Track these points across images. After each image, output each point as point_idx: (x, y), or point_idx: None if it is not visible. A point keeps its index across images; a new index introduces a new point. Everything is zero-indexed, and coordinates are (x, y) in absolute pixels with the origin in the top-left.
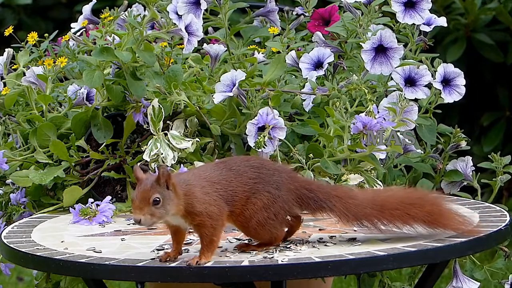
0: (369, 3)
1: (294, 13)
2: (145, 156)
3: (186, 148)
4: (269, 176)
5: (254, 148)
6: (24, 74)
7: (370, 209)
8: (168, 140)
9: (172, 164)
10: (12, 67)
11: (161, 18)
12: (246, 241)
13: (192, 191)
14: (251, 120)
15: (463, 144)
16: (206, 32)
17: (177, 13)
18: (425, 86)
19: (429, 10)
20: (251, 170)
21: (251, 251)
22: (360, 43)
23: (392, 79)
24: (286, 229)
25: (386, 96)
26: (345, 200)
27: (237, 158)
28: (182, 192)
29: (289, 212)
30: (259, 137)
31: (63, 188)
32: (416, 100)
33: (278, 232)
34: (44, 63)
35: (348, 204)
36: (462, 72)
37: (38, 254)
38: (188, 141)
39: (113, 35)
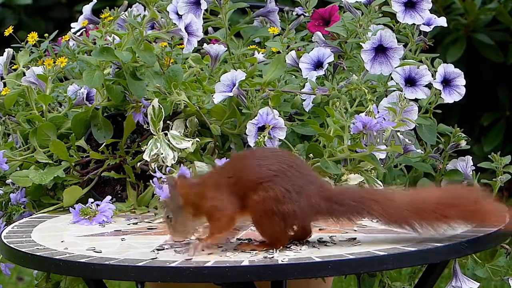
0: (369, 3)
1: (294, 13)
2: (145, 156)
3: (186, 148)
4: (295, 178)
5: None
6: (24, 74)
7: (407, 211)
8: (168, 140)
9: (172, 164)
10: (12, 67)
11: (161, 18)
12: (246, 241)
13: (203, 192)
14: (251, 120)
15: (463, 143)
16: (206, 32)
17: (177, 13)
18: (425, 86)
19: (429, 10)
20: (278, 163)
21: (251, 251)
22: (360, 43)
23: (392, 79)
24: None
25: (386, 96)
26: (382, 203)
27: (274, 151)
28: (194, 195)
29: (299, 223)
30: (259, 137)
31: (63, 188)
32: (416, 100)
33: (281, 233)
34: (44, 63)
35: (386, 206)
36: (462, 73)
37: (38, 254)
38: (188, 141)
39: (113, 35)
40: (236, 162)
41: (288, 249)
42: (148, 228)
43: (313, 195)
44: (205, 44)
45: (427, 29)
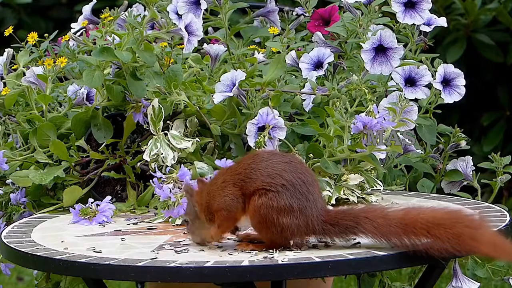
0: (369, 3)
1: (294, 13)
2: (145, 156)
3: (186, 148)
4: (303, 196)
5: (254, 148)
6: (24, 74)
7: (395, 227)
8: (168, 140)
9: (172, 164)
10: (12, 67)
11: (161, 18)
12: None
13: (213, 192)
14: (251, 120)
15: (463, 143)
16: (206, 32)
17: (177, 13)
18: (425, 86)
19: (429, 10)
20: (292, 173)
21: (251, 251)
22: (360, 43)
23: (392, 79)
24: None
25: (386, 96)
26: (373, 220)
27: (293, 160)
28: (206, 200)
29: (294, 239)
30: (259, 137)
31: (63, 188)
32: (416, 100)
33: (280, 241)
34: (44, 63)
35: (377, 224)
36: (462, 73)
37: (38, 254)
38: (188, 141)
39: (113, 35)
40: (250, 160)
41: (288, 249)
42: (148, 228)
43: (311, 217)
44: (205, 44)
45: (427, 29)
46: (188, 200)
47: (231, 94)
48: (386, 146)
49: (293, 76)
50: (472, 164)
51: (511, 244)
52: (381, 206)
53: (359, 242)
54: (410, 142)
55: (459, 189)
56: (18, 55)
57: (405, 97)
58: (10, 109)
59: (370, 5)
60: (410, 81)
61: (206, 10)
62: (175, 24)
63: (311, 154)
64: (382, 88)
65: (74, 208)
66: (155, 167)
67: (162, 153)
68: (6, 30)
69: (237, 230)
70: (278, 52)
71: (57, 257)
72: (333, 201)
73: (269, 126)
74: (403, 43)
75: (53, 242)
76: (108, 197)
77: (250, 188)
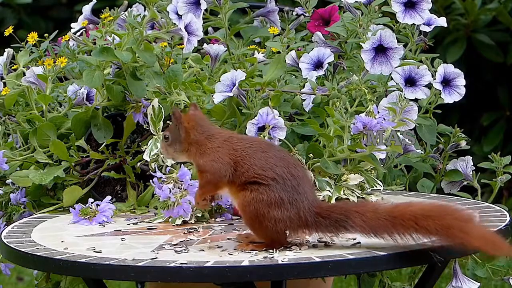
0: (369, 3)
1: (294, 13)
2: (145, 156)
3: None
4: (293, 189)
5: None
6: (24, 74)
7: (384, 220)
8: None
9: (172, 164)
10: (12, 67)
11: (161, 18)
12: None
13: (205, 146)
14: (251, 120)
15: (463, 143)
16: (206, 32)
17: (177, 13)
18: (425, 86)
19: (429, 10)
20: (283, 168)
21: (251, 251)
22: (360, 43)
23: (392, 79)
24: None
25: (386, 96)
26: (363, 214)
27: (286, 154)
28: (197, 140)
29: (290, 231)
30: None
31: (63, 188)
32: (416, 100)
33: (276, 236)
34: (44, 63)
35: (366, 217)
36: (462, 73)
37: (38, 254)
38: None
39: (113, 35)
40: (249, 143)
41: (288, 249)
42: (148, 228)
43: (303, 209)
44: (205, 44)
45: (427, 29)
46: (174, 123)
47: (231, 94)
48: (386, 146)
49: (293, 76)
50: (472, 164)
51: (501, 238)
52: (373, 202)
53: (359, 242)
54: (410, 142)
55: (459, 189)
56: (18, 55)
57: (405, 97)
58: (10, 109)
59: (370, 5)
60: (410, 81)
61: (206, 10)
62: (175, 24)
63: (311, 154)
64: (382, 88)
65: (74, 208)
66: (155, 167)
67: (162, 153)
68: (6, 30)
69: (213, 200)
70: (278, 52)
71: (57, 257)
72: (333, 201)
73: (269, 126)
74: (403, 43)
75: (53, 242)
76: (108, 197)
77: (242, 176)
